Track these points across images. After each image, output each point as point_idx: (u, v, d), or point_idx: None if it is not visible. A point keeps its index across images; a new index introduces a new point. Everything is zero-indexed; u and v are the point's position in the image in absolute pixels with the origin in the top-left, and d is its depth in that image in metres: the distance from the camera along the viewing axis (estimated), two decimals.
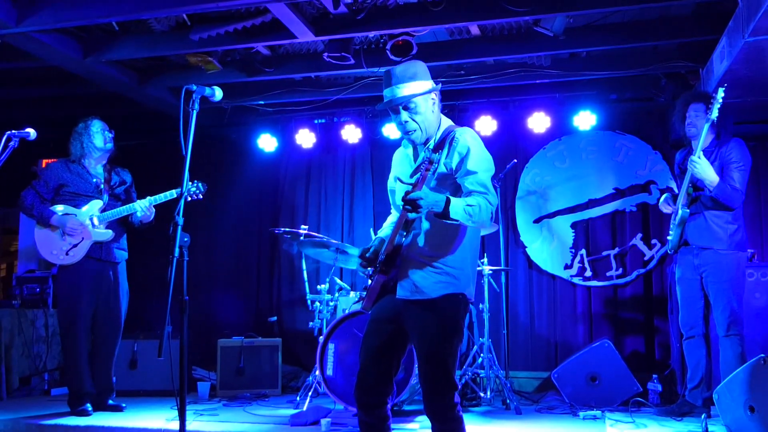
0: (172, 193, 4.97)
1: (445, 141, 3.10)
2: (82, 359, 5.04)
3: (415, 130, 3.09)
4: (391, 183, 3.34)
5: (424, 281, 3.02)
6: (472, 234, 3.13)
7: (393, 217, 3.33)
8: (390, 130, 6.92)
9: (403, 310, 3.06)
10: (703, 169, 4.47)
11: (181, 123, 3.12)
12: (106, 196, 5.16)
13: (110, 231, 5.08)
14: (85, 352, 5.08)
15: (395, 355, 3.14)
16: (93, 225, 5.00)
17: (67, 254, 4.98)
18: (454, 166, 3.04)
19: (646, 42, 5.66)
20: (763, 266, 5.45)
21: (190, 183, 4.87)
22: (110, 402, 5.14)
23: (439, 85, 3.17)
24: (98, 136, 5.17)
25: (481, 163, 3.04)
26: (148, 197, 5.00)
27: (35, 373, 6.11)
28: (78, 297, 5.00)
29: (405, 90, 3.04)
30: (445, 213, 2.86)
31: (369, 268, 3.10)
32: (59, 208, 5.02)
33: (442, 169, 3.06)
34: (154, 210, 5.04)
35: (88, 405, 4.98)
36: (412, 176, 3.13)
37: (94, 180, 5.16)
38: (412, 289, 3.03)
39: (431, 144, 3.13)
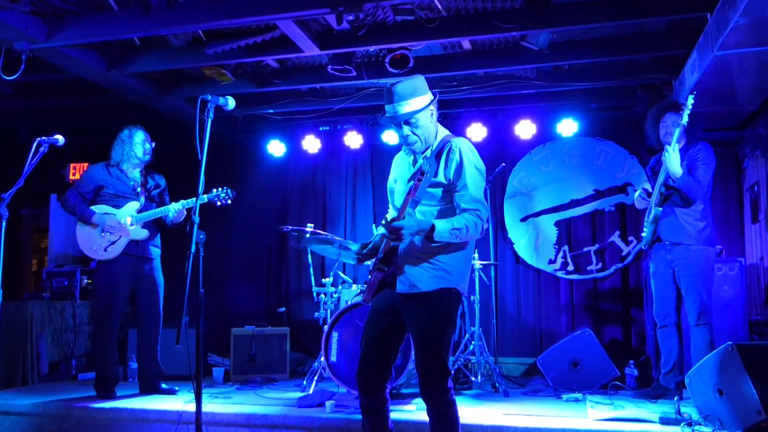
0: (203, 198, 4.95)
1: (443, 151, 3.10)
2: (111, 347, 5.03)
3: (416, 142, 3.10)
4: (390, 183, 3.35)
5: (420, 276, 3.03)
6: None
7: (391, 213, 3.33)
8: (389, 137, 6.93)
9: (401, 302, 3.07)
10: (671, 159, 4.47)
11: (197, 130, 3.12)
12: (142, 198, 5.15)
13: (146, 230, 5.08)
14: (115, 340, 5.07)
15: (393, 344, 3.16)
16: (130, 224, 5.00)
17: (105, 250, 4.98)
18: (451, 177, 3.05)
19: (623, 56, 5.66)
20: (730, 261, 5.46)
21: (220, 189, 4.87)
22: (163, 386, 5.13)
23: (437, 96, 3.16)
24: (139, 146, 5.13)
25: (474, 178, 3.06)
26: (181, 201, 4.97)
27: (64, 360, 6.11)
28: (114, 290, 5.00)
29: (406, 107, 3.03)
30: (430, 237, 2.90)
31: (368, 262, 3.09)
32: (99, 209, 5.02)
33: (440, 178, 3.07)
34: (185, 212, 5.02)
35: (113, 389, 4.98)
36: (408, 181, 3.14)
37: (132, 183, 5.15)
38: (409, 283, 3.04)
39: (429, 153, 3.13)
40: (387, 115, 3.09)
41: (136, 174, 5.20)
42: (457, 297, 3.09)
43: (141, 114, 7.04)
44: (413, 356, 4.41)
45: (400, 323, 3.11)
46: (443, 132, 3.22)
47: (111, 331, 5.02)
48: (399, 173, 3.28)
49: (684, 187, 4.50)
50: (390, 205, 3.38)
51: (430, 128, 3.12)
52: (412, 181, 3.05)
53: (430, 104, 3.09)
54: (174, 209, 4.96)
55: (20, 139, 7.39)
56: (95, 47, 5.65)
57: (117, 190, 5.08)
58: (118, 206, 5.05)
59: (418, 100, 3.05)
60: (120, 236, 4.99)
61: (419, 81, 3.11)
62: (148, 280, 5.14)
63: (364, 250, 3.14)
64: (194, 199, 4.90)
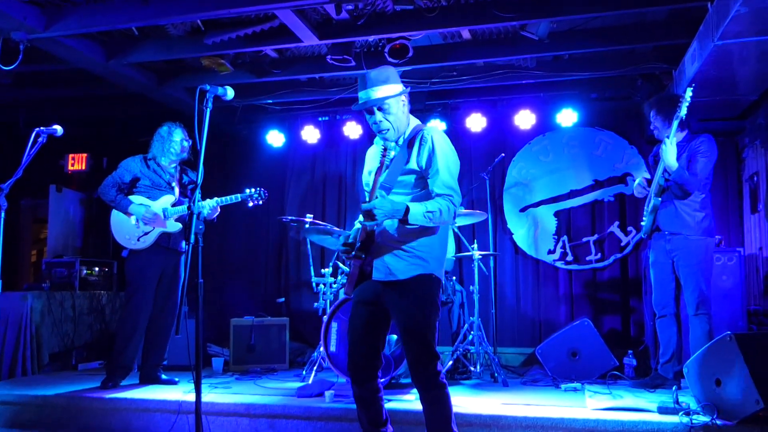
0: (237, 197, 5.00)
1: (415, 139, 3.16)
2: (136, 335, 5.05)
3: (388, 129, 3.16)
4: (365, 177, 3.40)
5: (397, 264, 3.09)
6: None
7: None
8: None
9: (381, 291, 3.13)
10: (668, 151, 4.48)
11: (195, 120, 3.12)
12: (176, 192, 5.18)
13: (179, 224, 5.11)
14: (141, 329, 5.09)
15: (380, 333, 3.22)
16: (165, 217, 5.03)
17: (138, 240, 5.02)
18: (423, 164, 3.10)
19: (623, 45, 5.65)
20: (729, 251, 5.46)
21: (253, 189, 4.99)
22: (163, 376, 5.16)
23: (409, 88, 3.22)
24: (177, 144, 5.16)
25: (447, 164, 3.11)
26: (216, 198, 4.97)
27: (64, 350, 6.13)
28: (144, 279, 5.04)
29: (379, 92, 3.10)
30: (405, 219, 2.95)
31: (351, 254, 3.14)
32: (135, 199, 5.04)
33: (413, 165, 3.12)
34: (219, 210, 5.04)
35: (118, 378, 5.01)
36: (379, 170, 3.17)
37: (167, 177, 5.18)
38: (386, 271, 3.09)
39: (401, 141, 3.19)
40: (360, 101, 3.15)
41: (171, 169, 5.24)
42: (436, 282, 3.15)
43: (140, 105, 7.04)
44: None
45: (383, 312, 3.17)
46: (415, 122, 3.28)
47: (138, 319, 5.05)
48: (372, 165, 3.33)
49: (678, 180, 4.50)
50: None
51: (402, 118, 3.18)
52: (378, 163, 3.11)
53: (402, 93, 3.15)
54: (208, 206, 4.97)
55: (18, 129, 7.38)
56: (94, 37, 5.63)
57: (153, 182, 5.12)
58: (153, 198, 5.09)
59: (390, 87, 3.12)
60: (154, 227, 5.03)
61: (392, 71, 3.19)
62: (173, 273, 5.19)
63: (350, 239, 3.19)
64: (228, 197, 4.98)
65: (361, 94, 3.14)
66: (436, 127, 3.23)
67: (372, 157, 3.38)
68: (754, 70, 5.05)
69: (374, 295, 3.14)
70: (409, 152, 3.12)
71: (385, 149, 3.09)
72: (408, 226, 3.00)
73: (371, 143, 7.73)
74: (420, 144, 3.13)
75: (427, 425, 3.13)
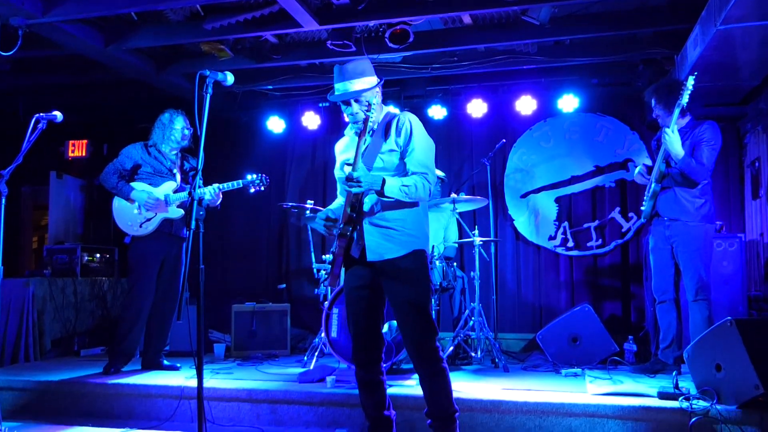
0: (238, 183, 5.00)
1: (391, 123, 3.23)
2: (140, 321, 5.08)
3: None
4: (338, 171, 3.43)
5: (389, 244, 3.17)
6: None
7: (339, 201, 3.46)
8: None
9: (375, 272, 3.21)
10: (672, 141, 4.46)
11: (195, 106, 3.11)
12: (178, 178, 5.18)
13: (181, 210, 5.11)
14: (145, 316, 5.10)
15: (378, 313, 3.32)
16: (167, 203, 5.04)
17: (140, 226, 5.04)
18: (402, 144, 3.19)
19: (625, 30, 5.62)
20: (730, 237, 5.46)
21: (255, 175, 4.99)
22: (165, 362, 5.19)
23: (383, 80, 3.32)
24: (178, 132, 5.18)
25: (422, 145, 3.21)
26: (216, 184, 4.97)
27: (66, 336, 6.15)
28: (146, 265, 5.06)
29: (356, 85, 3.20)
30: (381, 192, 3.04)
31: (335, 230, 3.19)
32: (137, 185, 5.04)
33: (392, 146, 3.20)
34: (221, 196, 5.03)
35: (121, 364, 5.03)
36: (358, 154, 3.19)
37: (168, 163, 5.18)
38: (380, 252, 3.17)
39: (375, 126, 3.24)
40: (336, 92, 3.23)
41: (172, 156, 5.24)
42: (427, 257, 3.27)
43: (139, 90, 7.02)
44: None
45: (378, 291, 3.26)
46: (387, 109, 3.37)
47: (141, 306, 5.07)
48: (348, 154, 3.34)
49: (686, 169, 4.48)
50: (339, 194, 3.49)
51: (377, 108, 3.26)
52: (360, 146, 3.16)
53: (377, 85, 3.24)
54: (210, 192, 4.96)
55: (18, 115, 7.36)
56: (92, 22, 5.60)
57: (154, 169, 5.13)
58: (155, 185, 5.09)
59: (366, 79, 3.22)
60: (156, 213, 5.04)
61: (367, 63, 3.29)
62: (175, 259, 5.20)
63: (332, 215, 3.24)
64: (229, 183, 4.97)
65: (338, 86, 3.22)
66: (409, 112, 3.31)
67: (345, 147, 3.43)
68: (756, 55, 5.02)
69: (367, 279, 3.23)
70: (386, 136, 3.20)
71: (365, 120, 3.14)
72: (385, 199, 3.09)
73: None
74: (397, 126, 3.21)
75: (430, 402, 3.21)
